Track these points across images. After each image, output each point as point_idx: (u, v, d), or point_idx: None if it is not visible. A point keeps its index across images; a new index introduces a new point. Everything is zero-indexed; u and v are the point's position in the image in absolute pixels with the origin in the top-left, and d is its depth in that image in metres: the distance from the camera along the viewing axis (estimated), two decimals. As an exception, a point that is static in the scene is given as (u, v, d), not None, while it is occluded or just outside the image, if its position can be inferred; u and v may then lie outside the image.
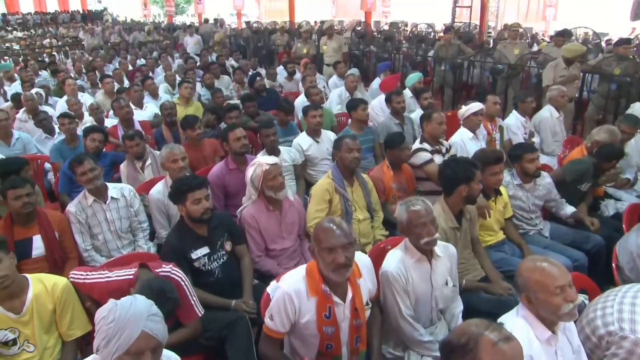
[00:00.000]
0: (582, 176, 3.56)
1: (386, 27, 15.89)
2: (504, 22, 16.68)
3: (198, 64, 8.92)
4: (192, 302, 2.41)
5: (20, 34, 18.13)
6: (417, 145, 3.85)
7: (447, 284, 2.40)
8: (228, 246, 2.83)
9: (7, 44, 14.38)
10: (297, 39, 9.84)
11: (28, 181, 2.92)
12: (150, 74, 8.57)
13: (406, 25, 17.29)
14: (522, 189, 3.37)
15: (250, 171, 2.98)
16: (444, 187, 2.90)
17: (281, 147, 4.13)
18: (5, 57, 11.47)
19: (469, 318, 2.55)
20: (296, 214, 3.14)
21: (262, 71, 8.26)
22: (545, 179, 3.42)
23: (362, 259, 2.22)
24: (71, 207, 3.13)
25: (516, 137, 4.67)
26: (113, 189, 3.25)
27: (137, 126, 4.82)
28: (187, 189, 2.65)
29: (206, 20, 16.56)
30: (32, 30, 19.11)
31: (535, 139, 4.78)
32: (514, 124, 4.72)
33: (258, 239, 2.98)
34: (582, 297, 2.50)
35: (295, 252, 3.12)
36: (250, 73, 7.87)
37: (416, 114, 5.04)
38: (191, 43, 11.93)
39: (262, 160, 2.95)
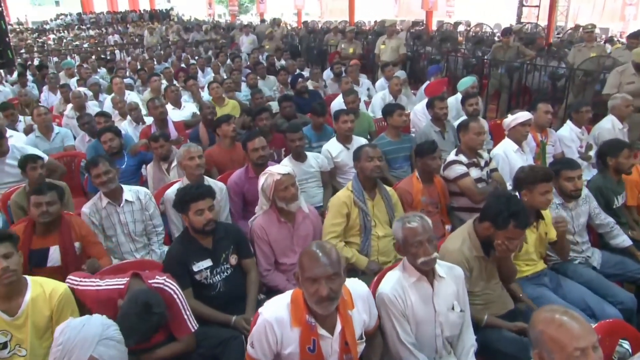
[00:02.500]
0: (605, 194, 3.23)
1: (449, 27, 15.32)
2: (577, 22, 15.64)
3: (248, 63, 8.93)
4: (185, 316, 2.29)
5: (92, 32, 19.15)
6: (452, 157, 3.54)
7: (453, 308, 2.13)
8: (233, 260, 2.69)
9: (76, 42, 15.20)
10: (342, 38, 9.62)
11: (55, 189, 2.79)
12: (201, 73, 8.72)
13: (469, 25, 16.55)
14: (566, 208, 2.99)
15: (261, 180, 2.83)
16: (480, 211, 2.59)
17: (309, 153, 3.97)
18: (74, 55, 12.08)
19: (487, 358, 2.30)
20: (310, 226, 2.95)
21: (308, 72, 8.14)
22: (583, 191, 3.03)
23: (356, 288, 2.00)
24: (85, 209, 3.12)
25: (569, 150, 4.23)
26: (128, 192, 3.20)
27: (171, 126, 4.81)
28: (190, 198, 2.55)
29: (262, 20, 16.69)
30: (102, 29, 20.14)
31: (593, 152, 4.29)
32: (568, 135, 4.27)
33: (267, 252, 2.82)
34: (625, 346, 2.16)
35: (307, 267, 2.93)
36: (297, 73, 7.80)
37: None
38: (246, 42, 12.04)
39: (274, 170, 2.79)
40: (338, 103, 5.45)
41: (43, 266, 2.77)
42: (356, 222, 2.97)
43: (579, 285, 2.81)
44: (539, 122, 4.10)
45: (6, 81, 8.50)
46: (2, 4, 8.73)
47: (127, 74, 8.75)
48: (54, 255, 2.78)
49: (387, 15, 22.20)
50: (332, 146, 4.07)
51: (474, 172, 3.47)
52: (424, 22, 15.43)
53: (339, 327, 1.85)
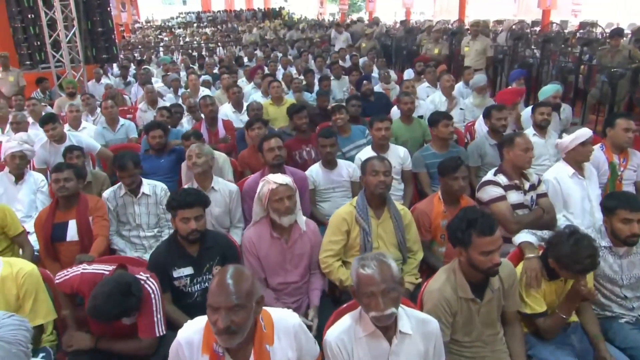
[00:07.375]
0: None
1: (573, 28, 13.90)
2: None
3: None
4: (155, 319, 2.25)
5: (207, 30, 20.44)
6: (489, 176, 3.09)
7: None
8: (217, 271, 2.58)
9: (188, 39, 16.30)
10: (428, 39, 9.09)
11: (72, 167, 3.10)
12: (283, 72, 8.78)
13: (593, 25, 14.81)
14: (614, 254, 2.43)
15: (259, 187, 2.67)
16: None
17: (341, 161, 3.75)
18: (180, 50, 12.96)
19: None
20: (308, 244, 2.72)
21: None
22: None
23: (283, 321, 1.78)
24: (105, 194, 3.30)
25: (657, 177, 3.49)
26: (147, 185, 3.33)
27: (220, 125, 4.86)
28: (177, 205, 2.50)
29: (360, 19, 16.49)
30: (218, 27, 21.42)
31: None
32: (657, 159, 3.52)
33: (256, 266, 2.66)
34: None
35: (300, 288, 2.72)
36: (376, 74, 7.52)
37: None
38: (340, 40, 11.96)
39: (272, 178, 2.61)
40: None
41: (63, 240, 3.02)
42: (356, 241, 2.70)
43: (619, 352, 2.29)
44: (616, 142, 3.42)
45: (112, 74, 9.34)
46: (111, 6, 9.57)
47: (217, 70, 9.13)
48: (72, 228, 3.02)
49: (505, 14, 20.84)
50: (366, 155, 3.75)
51: (514, 196, 2.99)
52: (537, 21, 14.09)
53: (251, 362, 1.65)
